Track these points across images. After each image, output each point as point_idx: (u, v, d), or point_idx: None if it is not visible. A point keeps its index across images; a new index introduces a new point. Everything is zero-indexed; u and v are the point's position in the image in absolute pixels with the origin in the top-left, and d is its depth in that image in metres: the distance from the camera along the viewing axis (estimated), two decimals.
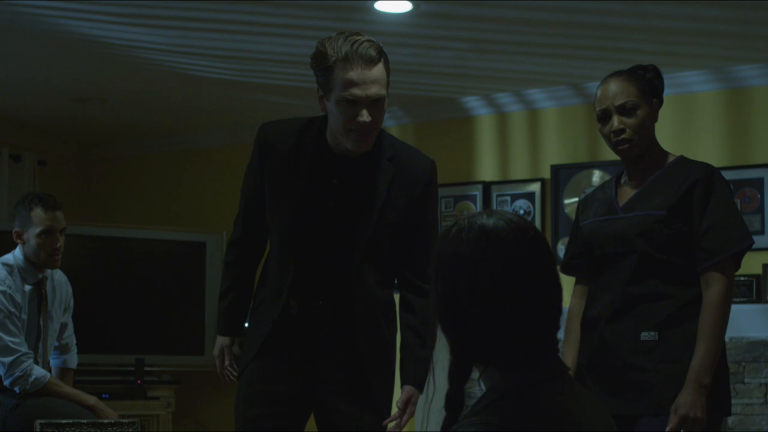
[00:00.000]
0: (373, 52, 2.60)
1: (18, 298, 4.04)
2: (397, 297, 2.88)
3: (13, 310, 4.00)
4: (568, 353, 2.95)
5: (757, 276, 4.93)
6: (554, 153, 5.62)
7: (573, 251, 3.05)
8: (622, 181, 2.97)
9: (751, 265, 4.86)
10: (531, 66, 5.18)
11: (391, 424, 2.78)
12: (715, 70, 5.13)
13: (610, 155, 4.53)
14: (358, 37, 2.61)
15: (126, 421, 4.00)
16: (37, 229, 4.04)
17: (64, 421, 3.84)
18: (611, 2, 4.20)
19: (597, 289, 2.92)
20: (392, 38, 4.64)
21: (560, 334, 2.03)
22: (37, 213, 4.06)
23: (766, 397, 4.80)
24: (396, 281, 2.89)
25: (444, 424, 1.62)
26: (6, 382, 3.99)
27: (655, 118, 2.89)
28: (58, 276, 4.29)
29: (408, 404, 2.77)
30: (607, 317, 2.85)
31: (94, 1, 4.30)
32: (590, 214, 2.99)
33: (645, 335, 2.78)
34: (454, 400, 1.63)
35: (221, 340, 2.95)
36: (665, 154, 2.93)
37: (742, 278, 4.89)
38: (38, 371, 4.01)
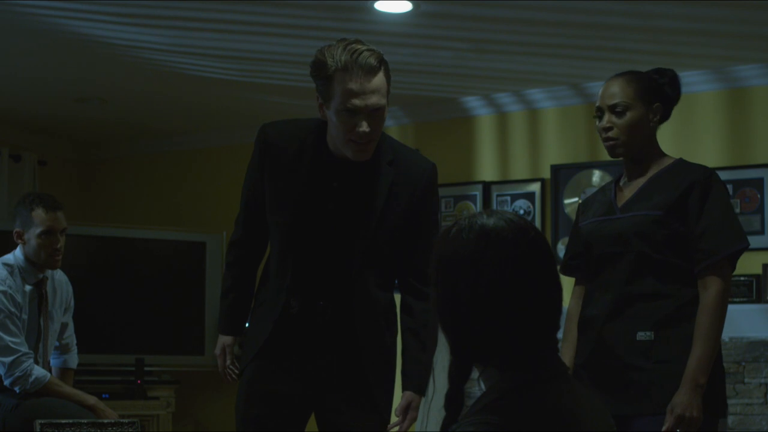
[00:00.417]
0: (373, 62, 2.56)
1: (18, 298, 4.04)
2: (397, 299, 2.88)
3: (13, 310, 4.00)
4: (567, 354, 2.96)
5: (756, 276, 4.93)
6: (554, 153, 5.62)
7: (572, 252, 3.06)
8: (622, 182, 2.99)
9: (750, 265, 4.86)
10: (531, 66, 5.18)
11: (393, 430, 2.78)
12: (715, 70, 5.13)
13: None
14: (359, 46, 2.57)
15: (126, 421, 4.00)
16: (38, 230, 4.04)
17: (64, 421, 3.84)
18: (611, 2, 4.20)
19: (595, 289, 2.93)
20: (392, 38, 4.64)
21: (559, 335, 2.04)
22: (38, 213, 4.05)
23: (766, 397, 4.80)
24: (396, 284, 2.89)
25: (444, 423, 1.62)
26: (6, 382, 3.99)
27: (652, 121, 2.89)
28: (59, 276, 4.29)
29: (408, 410, 2.77)
30: (605, 317, 2.86)
31: (94, 1, 4.30)
32: (590, 215, 3.00)
33: (641, 335, 2.79)
34: (454, 399, 1.63)
35: (223, 340, 2.95)
36: (664, 156, 2.95)
37: (742, 278, 4.89)
38: (38, 371, 4.01)
